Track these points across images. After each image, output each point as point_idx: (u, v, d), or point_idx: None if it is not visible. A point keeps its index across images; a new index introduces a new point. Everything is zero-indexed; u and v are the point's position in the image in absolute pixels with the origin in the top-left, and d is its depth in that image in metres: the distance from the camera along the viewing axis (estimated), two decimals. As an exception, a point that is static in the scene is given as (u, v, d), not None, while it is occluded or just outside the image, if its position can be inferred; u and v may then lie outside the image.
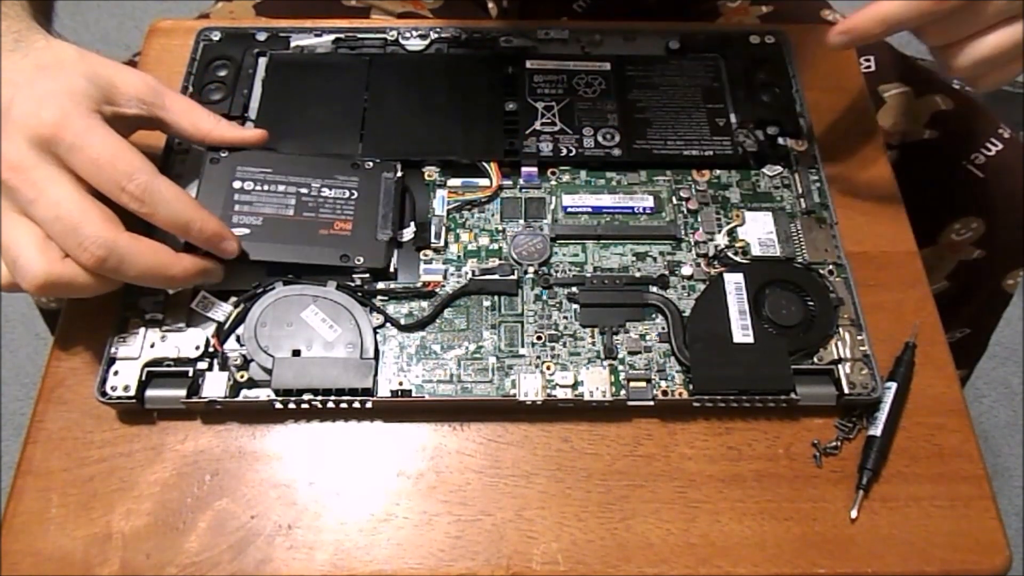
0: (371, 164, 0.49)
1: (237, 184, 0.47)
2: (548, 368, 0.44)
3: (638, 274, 0.48)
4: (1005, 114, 0.66)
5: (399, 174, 0.49)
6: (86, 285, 0.40)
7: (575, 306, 0.46)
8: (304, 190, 0.47)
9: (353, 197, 0.48)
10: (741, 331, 0.45)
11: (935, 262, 0.64)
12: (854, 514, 0.42)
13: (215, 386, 0.43)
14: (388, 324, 0.45)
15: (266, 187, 0.47)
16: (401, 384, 0.44)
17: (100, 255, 0.39)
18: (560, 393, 0.43)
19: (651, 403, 0.44)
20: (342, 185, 0.48)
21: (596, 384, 0.44)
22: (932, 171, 0.60)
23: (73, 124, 0.39)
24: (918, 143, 0.61)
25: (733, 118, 0.53)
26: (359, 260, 0.46)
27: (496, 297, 0.47)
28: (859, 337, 0.45)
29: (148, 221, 0.41)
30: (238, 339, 0.44)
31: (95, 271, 0.39)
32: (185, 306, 0.45)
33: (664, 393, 0.44)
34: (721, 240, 0.49)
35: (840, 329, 0.45)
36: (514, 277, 0.47)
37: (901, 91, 0.63)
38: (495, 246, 0.48)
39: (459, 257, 0.48)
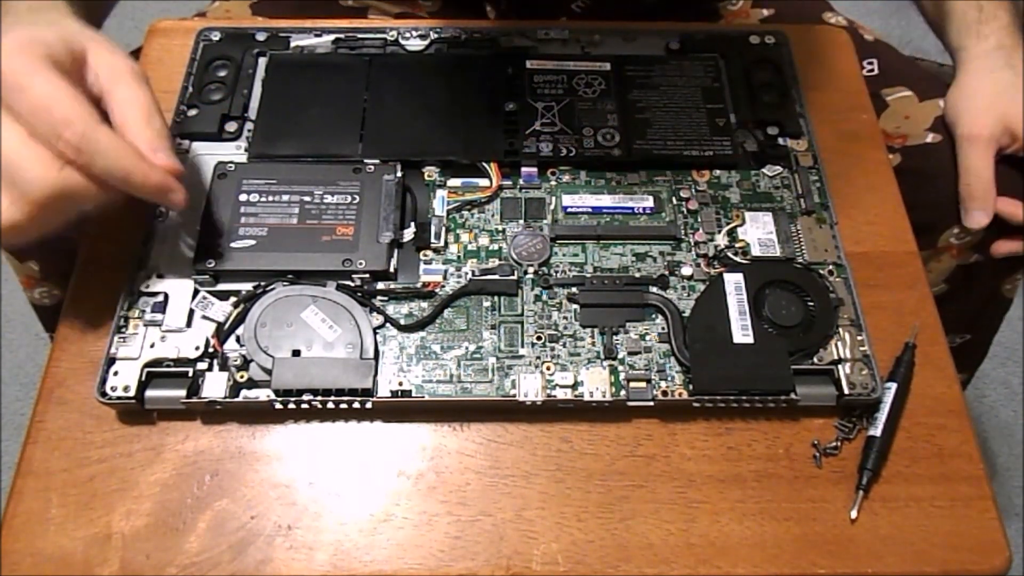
0: (372, 167, 0.49)
1: (243, 197, 0.48)
2: (548, 368, 0.44)
3: (638, 274, 0.48)
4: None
5: (399, 175, 0.49)
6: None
7: (575, 306, 0.46)
8: (307, 198, 0.48)
9: (355, 202, 0.48)
10: (741, 331, 0.45)
11: (934, 266, 0.64)
12: (854, 514, 0.42)
13: (215, 386, 0.43)
14: (388, 324, 0.45)
15: (271, 198, 0.48)
16: (401, 384, 0.44)
17: (47, 194, 0.38)
18: (560, 393, 0.43)
19: (651, 403, 0.44)
20: (344, 190, 0.48)
21: (596, 384, 0.44)
22: (933, 175, 0.60)
23: (20, 65, 0.39)
24: (920, 147, 0.61)
25: (733, 118, 0.53)
26: (361, 264, 0.46)
27: (496, 297, 0.47)
28: (859, 337, 0.45)
29: (87, 172, 0.39)
30: (238, 339, 0.44)
31: (39, 216, 0.38)
32: (185, 307, 0.45)
33: (664, 393, 0.44)
34: (721, 240, 0.49)
35: (840, 329, 0.45)
36: (514, 277, 0.47)
37: (904, 95, 0.63)
38: (495, 246, 0.48)
39: (459, 257, 0.48)
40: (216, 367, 0.43)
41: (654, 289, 0.47)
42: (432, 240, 0.48)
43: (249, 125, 0.52)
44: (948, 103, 0.60)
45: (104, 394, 0.42)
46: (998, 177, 0.57)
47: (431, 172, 0.51)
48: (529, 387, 0.43)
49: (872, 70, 0.64)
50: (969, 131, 0.57)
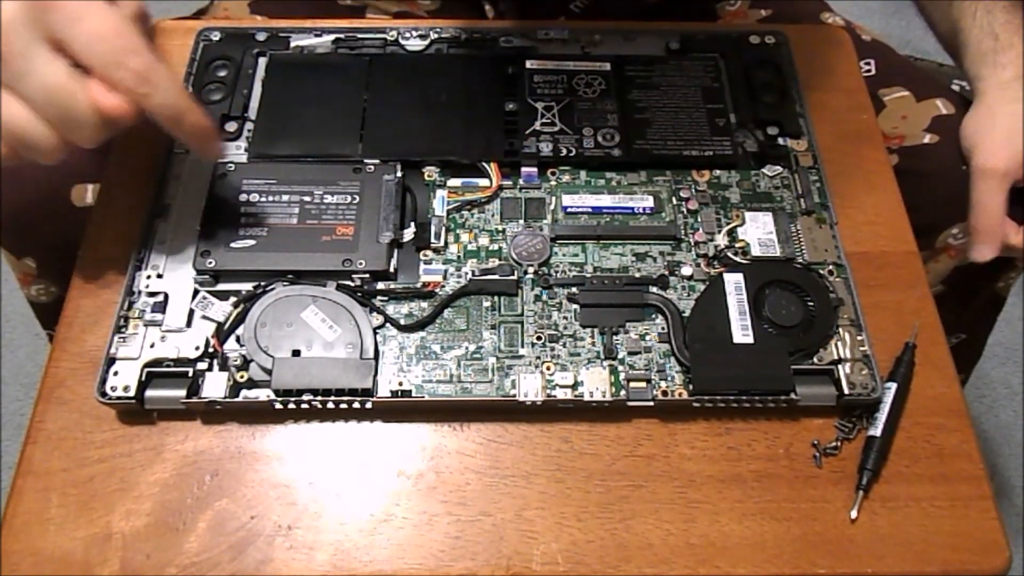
0: (372, 167, 0.49)
1: (243, 197, 0.48)
2: (548, 368, 0.44)
3: (638, 274, 0.48)
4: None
5: (399, 175, 0.49)
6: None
7: (575, 306, 0.46)
8: (307, 198, 0.48)
9: (355, 201, 0.48)
10: (741, 331, 0.45)
11: (931, 266, 0.64)
12: (854, 514, 0.42)
13: (215, 386, 0.43)
14: (388, 324, 0.45)
15: (271, 198, 0.48)
16: (401, 384, 0.44)
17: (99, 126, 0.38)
18: (560, 393, 0.43)
19: (651, 403, 0.44)
20: (344, 190, 0.48)
21: (596, 384, 0.44)
22: (931, 175, 0.60)
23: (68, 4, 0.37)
24: (918, 147, 0.61)
25: (733, 118, 0.53)
26: (361, 264, 0.46)
27: (496, 297, 0.47)
28: (859, 337, 0.45)
29: (142, 104, 0.39)
30: (238, 339, 0.44)
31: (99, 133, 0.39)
32: (185, 306, 0.45)
33: (664, 393, 0.44)
34: (721, 240, 0.49)
35: (840, 329, 0.45)
36: (514, 277, 0.47)
37: (901, 95, 0.63)
38: (495, 246, 0.48)
39: (459, 257, 0.48)
40: (216, 367, 0.43)
41: (654, 289, 0.47)
42: (432, 240, 0.48)
43: (249, 125, 0.52)
44: (965, 131, 0.58)
45: (104, 394, 0.42)
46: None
47: (431, 172, 0.51)
48: (529, 387, 0.43)
49: (869, 70, 0.64)
50: (984, 163, 0.55)
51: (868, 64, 0.64)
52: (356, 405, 0.43)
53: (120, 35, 0.38)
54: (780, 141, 0.53)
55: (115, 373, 0.43)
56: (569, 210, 0.50)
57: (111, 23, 0.38)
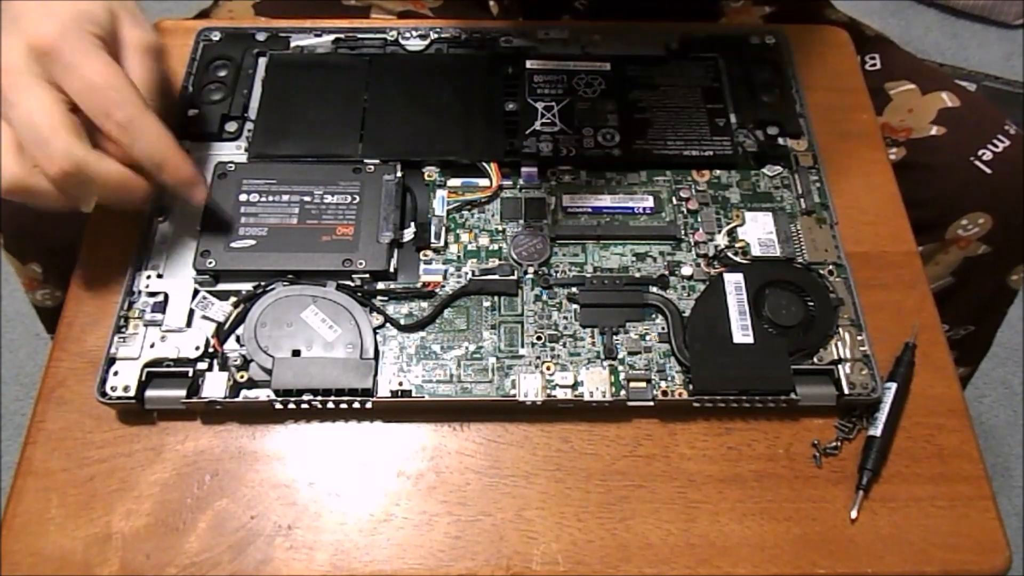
0: (372, 167, 0.49)
1: (243, 197, 0.48)
2: (548, 368, 0.44)
3: (638, 274, 0.48)
4: (1006, 114, 0.66)
5: (399, 175, 0.49)
6: (49, 196, 0.41)
7: (575, 306, 0.46)
8: (307, 198, 0.48)
9: (355, 201, 0.48)
10: (741, 331, 0.45)
11: (941, 258, 0.64)
12: (854, 514, 0.42)
13: (215, 386, 0.43)
14: (388, 324, 0.45)
15: (271, 198, 0.48)
16: (401, 384, 0.44)
17: (65, 168, 0.39)
18: (560, 393, 0.43)
19: (651, 403, 0.44)
20: (344, 190, 0.48)
21: (596, 384, 0.44)
22: (939, 167, 0.60)
23: (72, 43, 0.40)
24: (925, 140, 0.61)
25: (733, 118, 0.53)
26: (361, 264, 0.46)
27: (496, 297, 0.47)
28: (859, 337, 0.45)
29: (126, 151, 0.41)
30: (238, 339, 0.44)
31: (60, 185, 0.40)
32: (185, 307, 0.45)
33: (664, 393, 0.44)
34: (721, 240, 0.48)
35: (840, 329, 0.45)
36: (514, 277, 0.47)
37: (907, 88, 0.64)
38: (495, 246, 0.48)
39: (459, 257, 0.48)
40: (216, 367, 0.43)
41: (654, 289, 0.47)
42: (432, 240, 0.48)
43: (249, 125, 0.52)
44: None
45: (104, 394, 0.42)
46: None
47: (431, 172, 0.51)
48: (529, 387, 0.43)
49: (875, 65, 0.64)
50: None
51: (873, 58, 0.64)
52: (356, 405, 0.43)
53: (110, 86, 0.40)
54: (780, 141, 0.53)
55: (115, 373, 0.43)
56: (569, 210, 0.50)
57: (103, 75, 0.40)
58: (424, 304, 0.46)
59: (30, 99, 0.40)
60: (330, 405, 0.43)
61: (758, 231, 0.49)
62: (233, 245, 0.46)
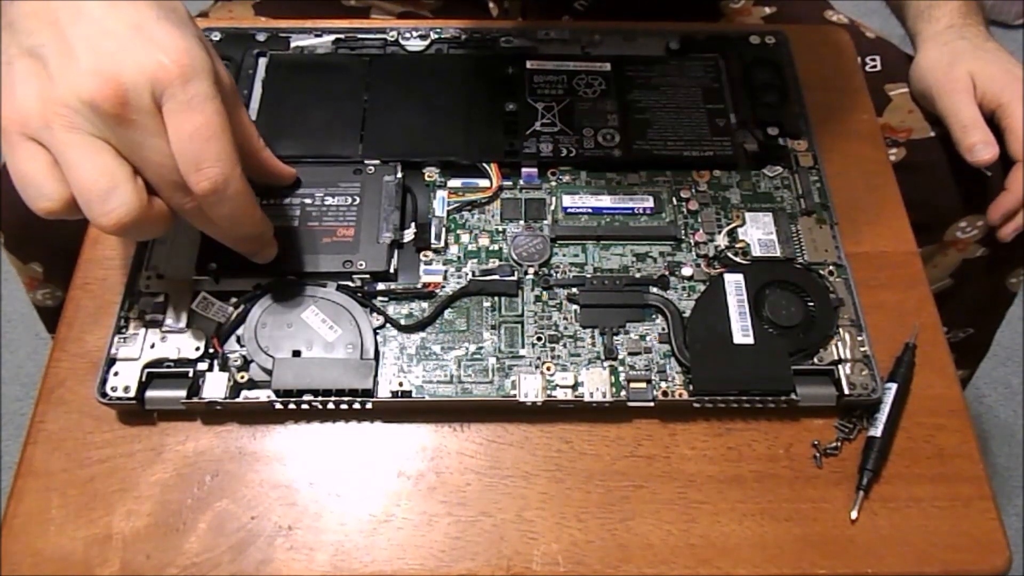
0: (372, 168, 0.49)
1: None
2: (548, 369, 0.44)
3: (638, 275, 0.48)
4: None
5: (399, 176, 0.49)
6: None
7: (575, 307, 0.46)
8: (308, 200, 0.48)
9: (355, 203, 0.48)
10: (741, 332, 0.45)
11: (939, 260, 0.64)
12: (854, 515, 0.42)
13: (215, 387, 0.43)
14: (388, 325, 0.45)
15: (272, 200, 0.48)
16: (401, 385, 0.44)
17: (124, 224, 0.36)
18: (560, 394, 0.43)
19: (651, 404, 0.44)
20: (344, 192, 0.48)
21: (596, 385, 0.44)
22: (938, 168, 0.61)
23: (197, 85, 0.36)
24: (924, 140, 0.62)
25: (733, 118, 0.53)
26: (361, 264, 0.46)
27: (496, 298, 0.47)
28: (859, 338, 0.45)
29: (205, 210, 0.38)
30: (238, 340, 0.44)
31: (109, 232, 0.37)
32: (186, 307, 0.45)
33: (664, 394, 0.44)
34: (721, 241, 0.49)
35: (840, 330, 0.45)
36: (514, 278, 0.47)
37: (907, 90, 0.64)
38: (495, 247, 0.48)
39: (459, 258, 0.48)
40: (216, 367, 0.43)
41: (654, 289, 0.47)
42: (432, 241, 0.48)
43: (249, 125, 0.52)
44: (913, 77, 0.63)
45: (104, 394, 0.42)
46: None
47: (431, 173, 0.51)
48: (529, 387, 0.43)
49: (875, 66, 0.64)
50: (941, 87, 0.59)
51: (873, 60, 0.64)
52: (356, 406, 0.43)
53: (211, 140, 0.36)
54: (780, 141, 0.53)
55: (115, 373, 0.43)
56: (569, 210, 0.50)
57: (209, 127, 0.36)
58: (424, 305, 0.46)
59: (152, 146, 0.36)
60: (330, 406, 0.43)
61: (758, 231, 0.49)
62: None
